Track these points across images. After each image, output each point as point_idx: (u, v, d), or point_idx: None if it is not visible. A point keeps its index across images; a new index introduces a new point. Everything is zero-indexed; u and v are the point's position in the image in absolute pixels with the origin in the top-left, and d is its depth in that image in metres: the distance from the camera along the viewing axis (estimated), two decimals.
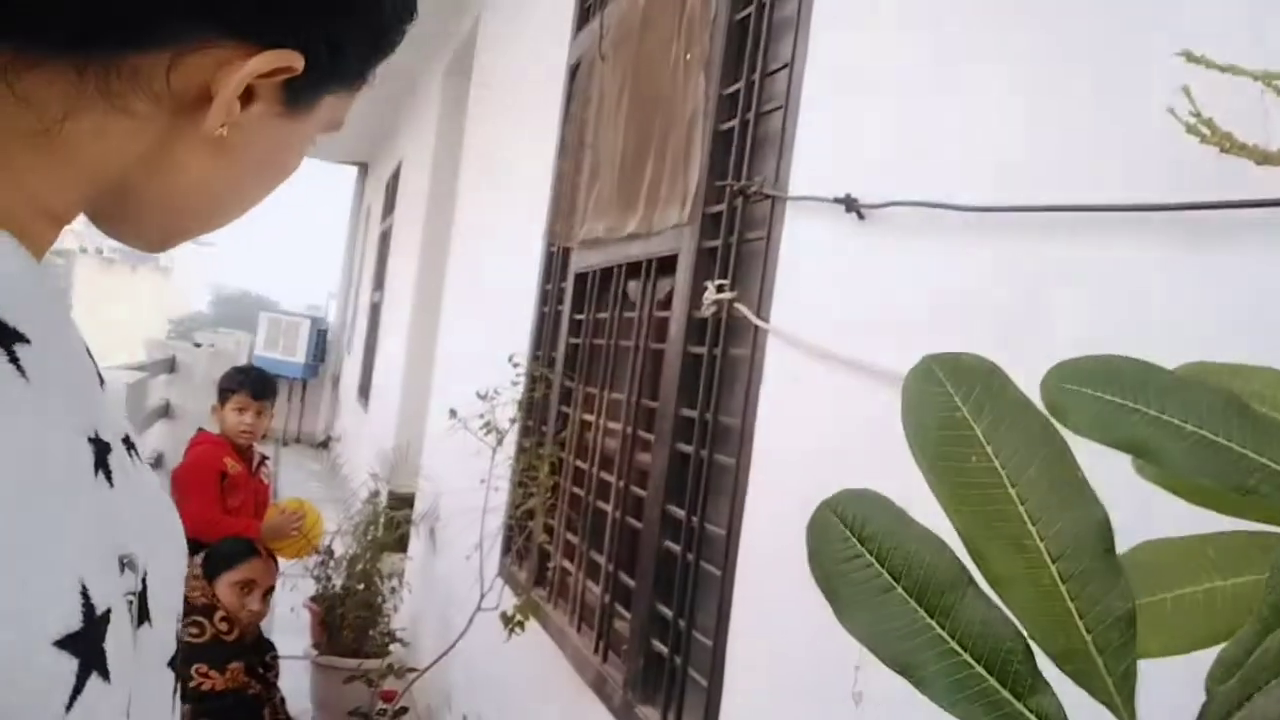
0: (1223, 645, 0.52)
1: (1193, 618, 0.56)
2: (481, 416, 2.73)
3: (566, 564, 2.64)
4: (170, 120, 0.54)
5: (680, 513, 1.91)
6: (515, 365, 2.88)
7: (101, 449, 0.51)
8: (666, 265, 2.21)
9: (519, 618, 2.47)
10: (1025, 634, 0.51)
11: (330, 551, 4.10)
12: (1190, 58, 0.54)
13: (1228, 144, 0.49)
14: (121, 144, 0.54)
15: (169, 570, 0.57)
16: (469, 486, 3.23)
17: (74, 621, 0.43)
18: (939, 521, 0.54)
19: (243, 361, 5.08)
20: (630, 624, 2.12)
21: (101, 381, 0.58)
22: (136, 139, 0.54)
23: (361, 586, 3.99)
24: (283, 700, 2.73)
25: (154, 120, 0.53)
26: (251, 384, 3.40)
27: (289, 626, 4.36)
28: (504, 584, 2.96)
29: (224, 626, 2.56)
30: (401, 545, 4.69)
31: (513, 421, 2.90)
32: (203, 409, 3.56)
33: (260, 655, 2.64)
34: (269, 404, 3.44)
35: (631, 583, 2.16)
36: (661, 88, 2.27)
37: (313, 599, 4.23)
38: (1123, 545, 0.54)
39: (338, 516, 4.87)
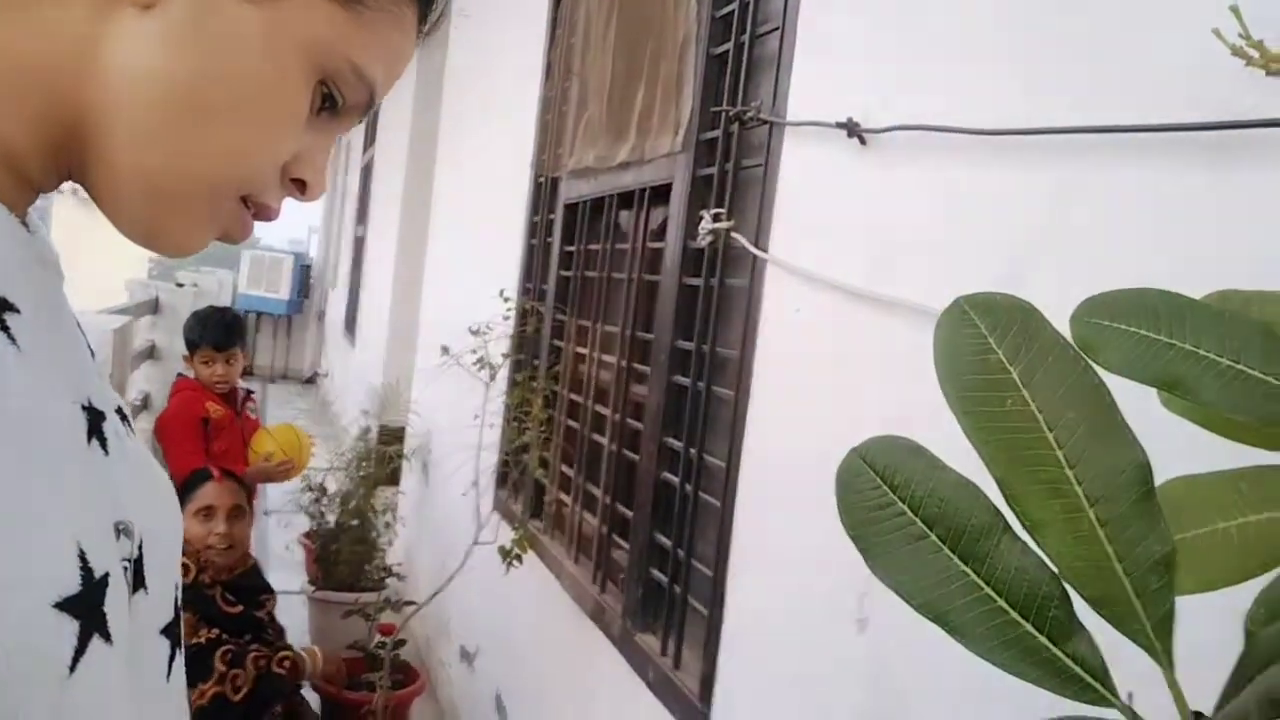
0: (1262, 585, 0.51)
1: (1226, 553, 0.55)
2: (474, 352, 2.71)
3: (563, 496, 2.65)
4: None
5: (678, 445, 1.91)
6: (506, 300, 2.85)
7: (95, 417, 0.51)
8: (660, 194, 2.17)
9: (517, 550, 2.48)
10: (1062, 579, 0.50)
11: (323, 488, 4.10)
12: None
13: (1277, 65, 0.46)
14: (54, 36, 0.49)
15: (165, 538, 0.57)
16: (462, 421, 3.23)
17: (73, 584, 0.43)
18: (958, 461, 0.53)
19: (225, 301, 5.02)
20: (629, 554, 2.13)
21: (92, 353, 0.58)
22: (68, 26, 0.49)
23: (355, 522, 4.00)
24: (282, 631, 2.74)
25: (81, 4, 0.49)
26: (212, 335, 3.31)
27: (284, 563, 4.39)
28: (499, 518, 2.97)
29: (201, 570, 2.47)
30: (394, 479, 4.70)
31: (505, 357, 2.88)
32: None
33: (255, 595, 2.64)
34: (238, 349, 3.39)
35: (629, 514, 2.17)
36: (651, 12, 2.20)
37: (306, 535, 4.25)
38: (1156, 479, 0.53)
39: (329, 453, 4.87)
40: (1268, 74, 0.48)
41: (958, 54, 1.23)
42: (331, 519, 4.05)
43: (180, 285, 6.29)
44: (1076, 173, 1.01)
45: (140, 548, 0.52)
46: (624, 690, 2.01)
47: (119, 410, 0.57)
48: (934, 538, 0.51)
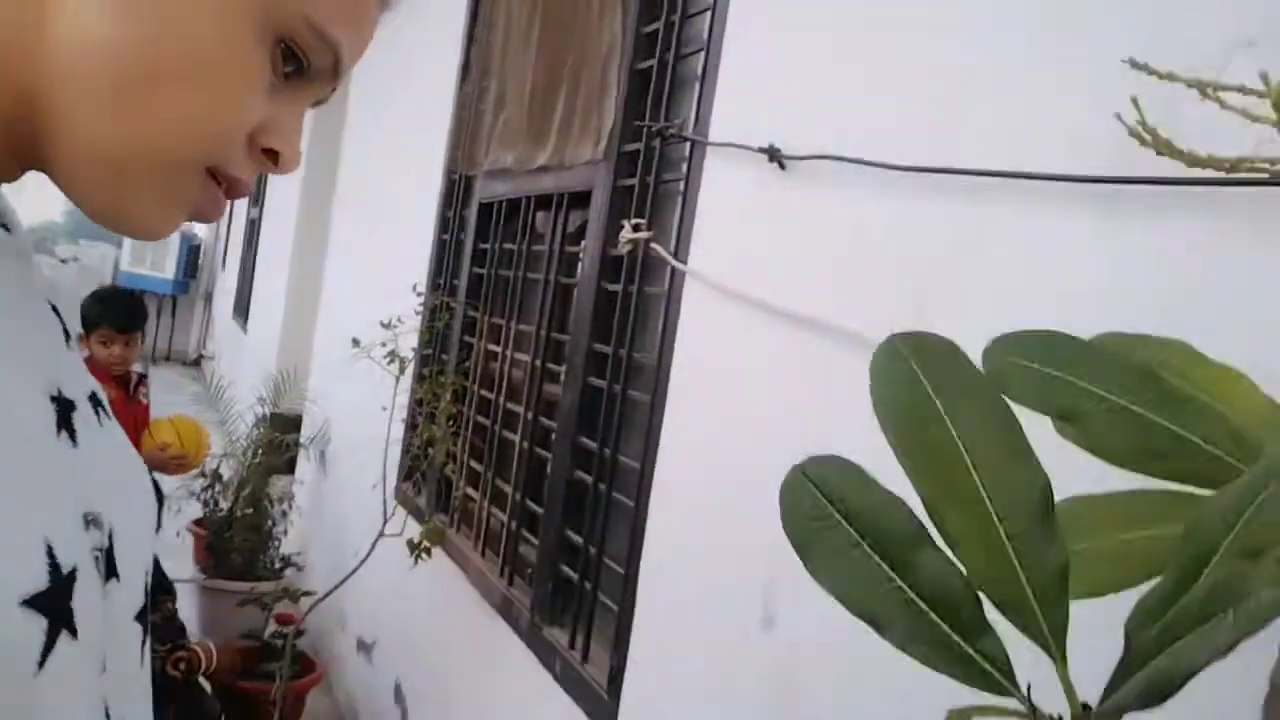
0: (1141, 593, 0.59)
1: (1111, 565, 0.64)
2: (384, 345, 2.71)
3: (470, 491, 2.67)
4: None
5: (592, 444, 1.96)
6: (419, 295, 2.85)
7: (65, 407, 0.51)
8: (579, 200, 2.22)
9: (426, 543, 2.50)
10: (974, 585, 0.57)
11: (218, 475, 4.02)
12: (1134, 65, 0.59)
13: (1168, 151, 0.55)
14: None
15: (137, 524, 0.57)
16: (365, 413, 3.22)
17: (40, 581, 0.44)
18: (882, 477, 0.60)
19: (108, 279, 4.84)
20: (539, 549, 2.18)
21: (68, 337, 0.58)
22: (8, 5, 0.48)
23: (250, 510, 3.94)
24: (181, 629, 2.70)
25: None
26: (113, 316, 3.20)
27: (172, 551, 4.28)
28: (403, 511, 2.97)
29: None
30: (289, 468, 4.63)
31: (415, 351, 2.88)
32: (73, 328, 3.41)
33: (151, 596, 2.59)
34: (138, 333, 3.29)
35: (539, 510, 2.21)
36: (575, 20, 2.25)
37: (196, 522, 4.16)
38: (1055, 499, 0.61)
39: (222, 439, 4.77)
40: (1158, 154, 0.56)
41: (876, 88, 1.31)
42: (225, 506, 3.97)
43: (63, 261, 6.05)
44: (981, 212, 1.10)
45: (111, 537, 0.53)
46: (531, 683, 2.06)
47: (92, 396, 0.57)
48: (866, 547, 0.58)
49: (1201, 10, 0.88)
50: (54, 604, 0.44)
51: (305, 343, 5.34)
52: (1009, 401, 0.64)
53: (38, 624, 0.43)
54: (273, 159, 0.56)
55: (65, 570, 0.45)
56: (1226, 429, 0.65)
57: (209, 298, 11.46)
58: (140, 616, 0.57)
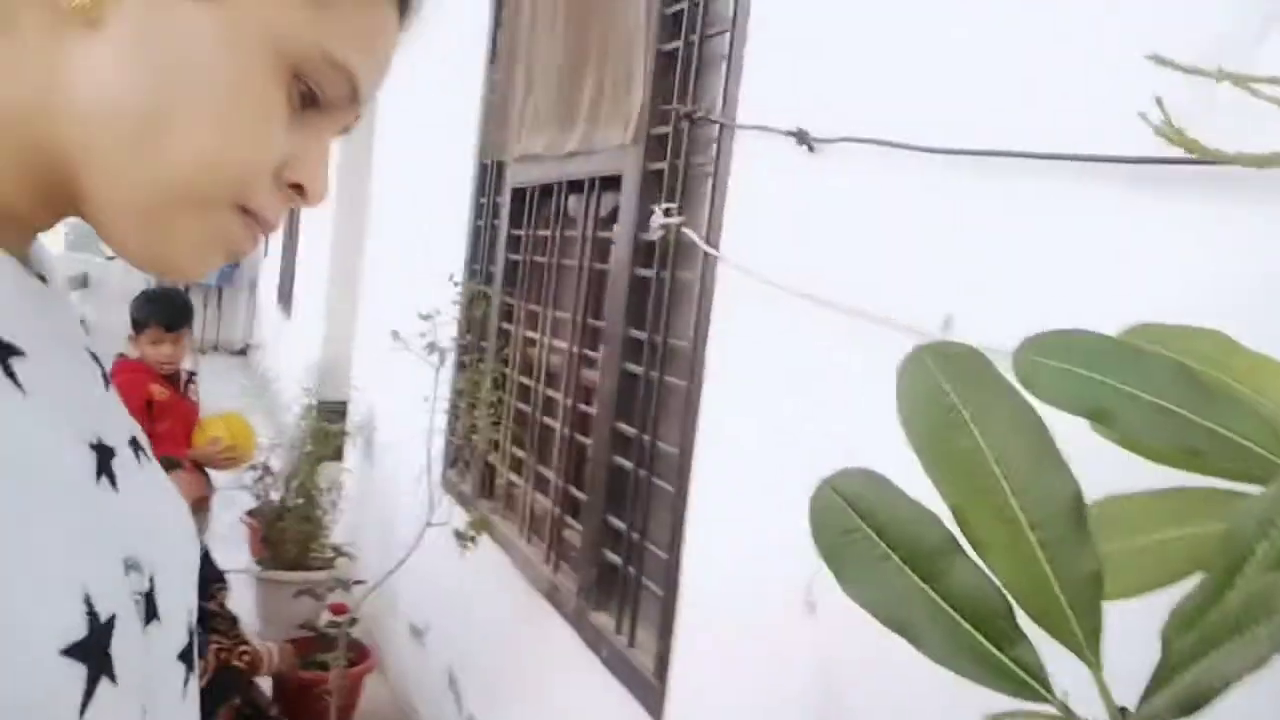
0: (1179, 598, 0.59)
1: (1150, 564, 0.63)
2: (423, 335, 2.73)
3: (514, 478, 2.70)
4: (52, 22, 0.49)
5: (631, 430, 1.97)
6: (456, 285, 2.87)
7: (104, 454, 0.52)
8: (609, 183, 2.22)
9: (472, 533, 2.53)
10: (1007, 595, 0.57)
11: (267, 467, 4.09)
12: (1159, 61, 0.58)
13: (1195, 149, 0.53)
14: (14, 78, 0.49)
15: (179, 566, 0.59)
16: (409, 401, 3.25)
17: (79, 630, 0.44)
18: (910, 483, 0.60)
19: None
20: (582, 535, 2.19)
21: (106, 383, 0.59)
22: (26, 63, 0.49)
23: (300, 500, 4.00)
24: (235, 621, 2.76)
25: (40, 30, 0.49)
26: (162, 315, 3.26)
27: (228, 542, 4.37)
28: (448, 497, 3.01)
29: None
30: (337, 456, 4.70)
31: (454, 340, 2.90)
32: (121, 324, 3.45)
33: (205, 586, 2.64)
34: (186, 330, 3.35)
35: (582, 496, 2.23)
36: (599, 2, 2.23)
37: (250, 514, 4.24)
38: (1090, 496, 0.60)
39: (270, 430, 4.84)
40: (1186, 151, 0.55)
41: (903, 69, 1.29)
42: (276, 497, 4.04)
43: (110, 258, 6.16)
44: (1013, 195, 1.08)
45: (152, 580, 0.54)
46: (579, 667, 2.08)
47: (133, 440, 0.58)
48: (896, 559, 0.58)
49: None
50: (93, 652, 0.45)
51: (348, 329, 5.40)
52: (1042, 404, 0.64)
53: (78, 672, 0.44)
54: (300, 192, 0.56)
55: (104, 618, 0.46)
56: (1261, 422, 0.64)
57: (253, 286, 11.61)
58: (184, 655, 0.58)
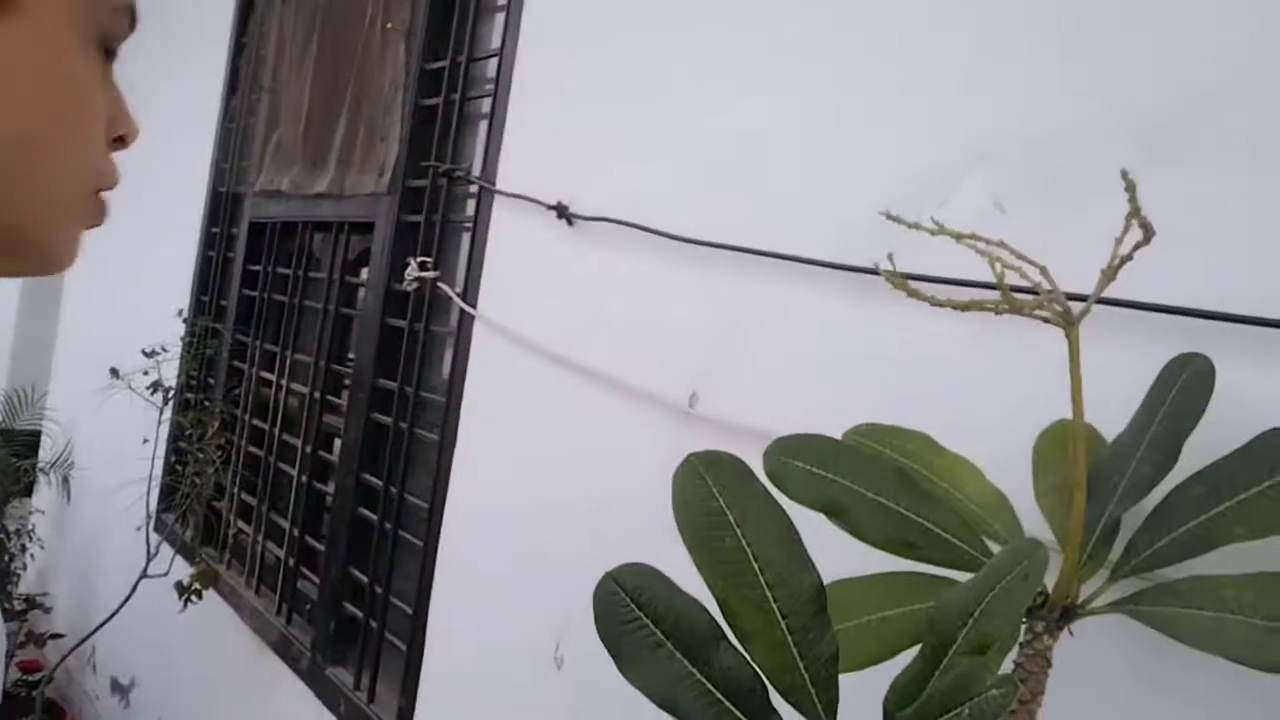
0: (897, 673, 0.70)
1: (873, 640, 0.74)
2: (146, 374, 2.56)
3: (243, 525, 2.58)
4: None
5: (377, 482, 1.95)
6: (184, 319, 2.72)
7: None
8: (360, 228, 2.20)
9: (196, 585, 2.39)
10: (762, 675, 0.65)
11: None
12: (889, 217, 0.69)
13: (911, 293, 0.65)
14: None
15: None
16: (123, 441, 3.02)
17: None
18: (649, 547, 0.67)
19: None
20: (320, 587, 2.14)
21: None
22: None
23: None
24: None
25: None
26: None
27: None
28: (164, 543, 2.82)
29: None
30: (27, 492, 4.25)
31: (179, 378, 2.74)
32: None
33: None
34: None
35: (320, 546, 2.18)
36: (355, 47, 2.22)
37: None
38: (829, 578, 0.70)
39: None
40: (907, 295, 0.67)
41: (654, 153, 1.39)
42: None
43: None
44: (751, 288, 1.20)
45: None
46: None
47: None
48: (669, 646, 0.65)
49: (942, 121, 1.01)
50: None
51: (43, 356, 4.92)
52: (788, 499, 0.74)
53: None
54: (121, 143, 0.56)
55: None
56: (958, 517, 0.77)
57: None
58: None
